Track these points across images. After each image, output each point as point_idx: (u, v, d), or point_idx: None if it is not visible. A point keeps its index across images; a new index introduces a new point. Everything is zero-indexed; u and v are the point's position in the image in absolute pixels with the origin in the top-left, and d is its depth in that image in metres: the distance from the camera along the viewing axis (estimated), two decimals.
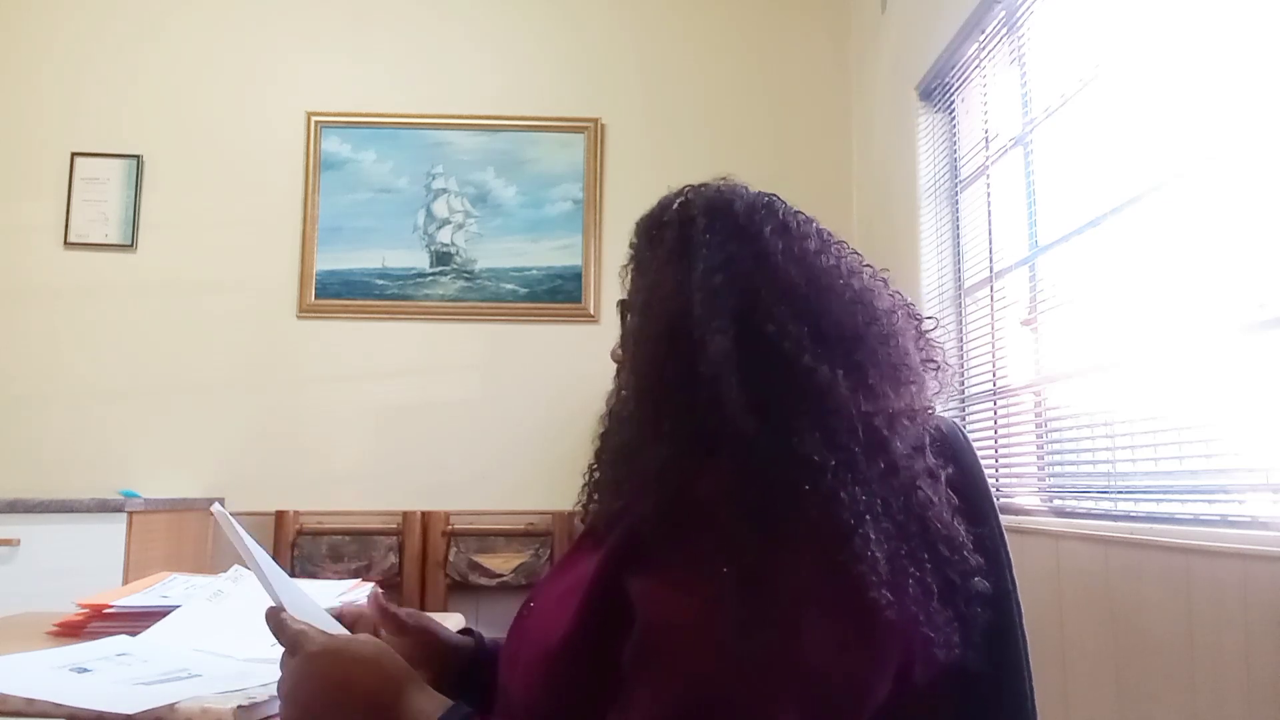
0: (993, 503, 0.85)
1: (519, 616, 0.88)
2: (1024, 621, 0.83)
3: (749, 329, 0.75)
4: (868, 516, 0.70)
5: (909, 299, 0.88)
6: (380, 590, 1.00)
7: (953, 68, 2.71)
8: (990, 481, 2.44)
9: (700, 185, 0.89)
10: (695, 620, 0.68)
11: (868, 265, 0.87)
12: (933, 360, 0.86)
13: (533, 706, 0.76)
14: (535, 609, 0.85)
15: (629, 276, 0.89)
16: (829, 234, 0.87)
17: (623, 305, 0.90)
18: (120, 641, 1.17)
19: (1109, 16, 1.91)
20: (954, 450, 0.84)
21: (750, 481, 0.70)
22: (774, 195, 0.88)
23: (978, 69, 2.59)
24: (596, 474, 0.85)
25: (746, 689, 0.65)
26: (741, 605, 0.66)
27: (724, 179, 0.90)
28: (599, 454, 0.85)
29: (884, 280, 0.87)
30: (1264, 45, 1.44)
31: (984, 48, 2.53)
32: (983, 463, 0.90)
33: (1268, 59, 1.43)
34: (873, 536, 0.69)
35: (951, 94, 2.78)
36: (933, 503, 0.75)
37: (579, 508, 0.86)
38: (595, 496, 0.84)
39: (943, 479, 0.78)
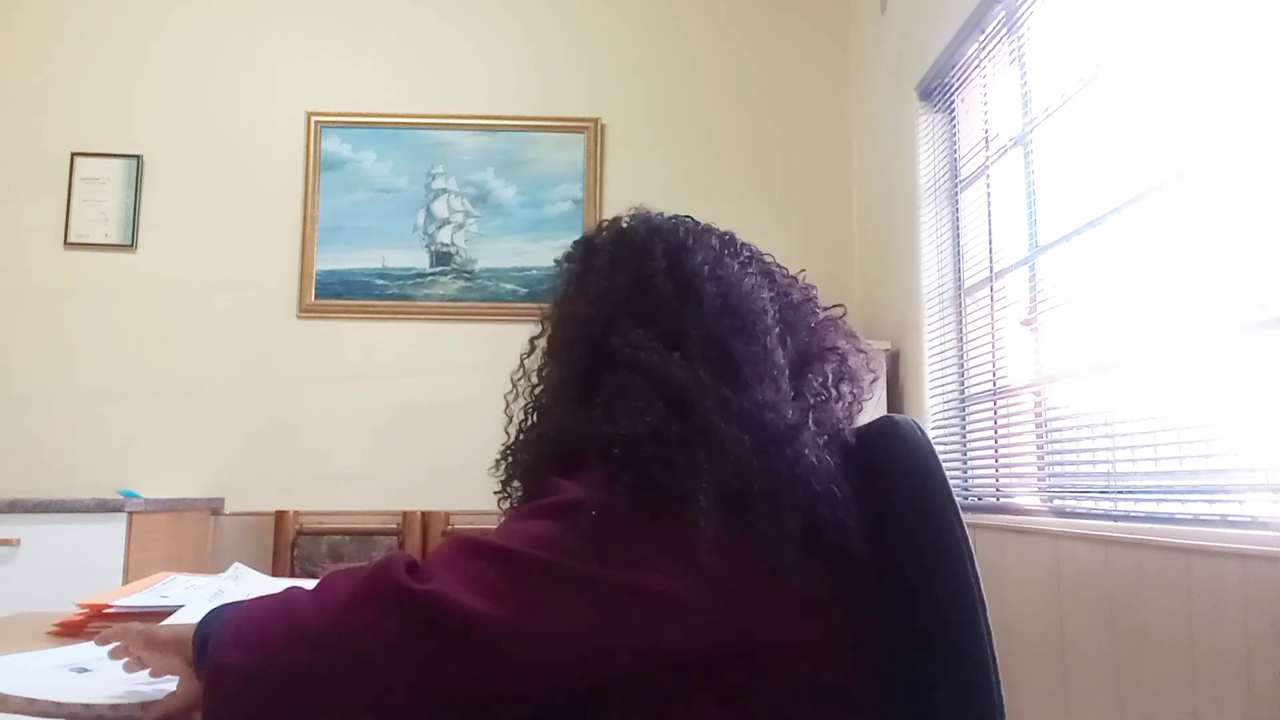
0: (951, 499, 0.88)
1: None
2: (988, 615, 0.86)
3: (598, 348, 0.92)
4: (704, 482, 0.79)
5: (812, 295, 1.02)
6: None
7: (953, 68, 2.71)
8: (990, 482, 2.44)
9: (615, 217, 1.04)
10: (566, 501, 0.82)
11: (777, 269, 1.02)
12: (833, 348, 0.98)
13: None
14: None
15: (551, 298, 1.05)
16: (734, 247, 1.01)
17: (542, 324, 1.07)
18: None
19: (1109, 16, 1.91)
20: (894, 436, 0.91)
21: (597, 463, 0.83)
22: (683, 217, 1.02)
23: (978, 69, 2.59)
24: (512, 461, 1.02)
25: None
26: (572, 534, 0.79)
27: (637, 208, 1.05)
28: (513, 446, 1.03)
29: (791, 280, 1.02)
30: (1264, 45, 1.44)
31: (984, 48, 2.53)
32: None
33: (1267, 59, 1.43)
34: (704, 504, 0.78)
35: (951, 94, 2.78)
36: (813, 470, 0.84)
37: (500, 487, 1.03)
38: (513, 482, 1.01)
39: (823, 448, 0.87)
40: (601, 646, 0.77)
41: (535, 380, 1.02)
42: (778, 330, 0.94)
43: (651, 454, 0.80)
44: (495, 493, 1.03)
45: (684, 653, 0.79)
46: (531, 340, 1.05)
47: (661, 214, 1.03)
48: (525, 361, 1.05)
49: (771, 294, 0.97)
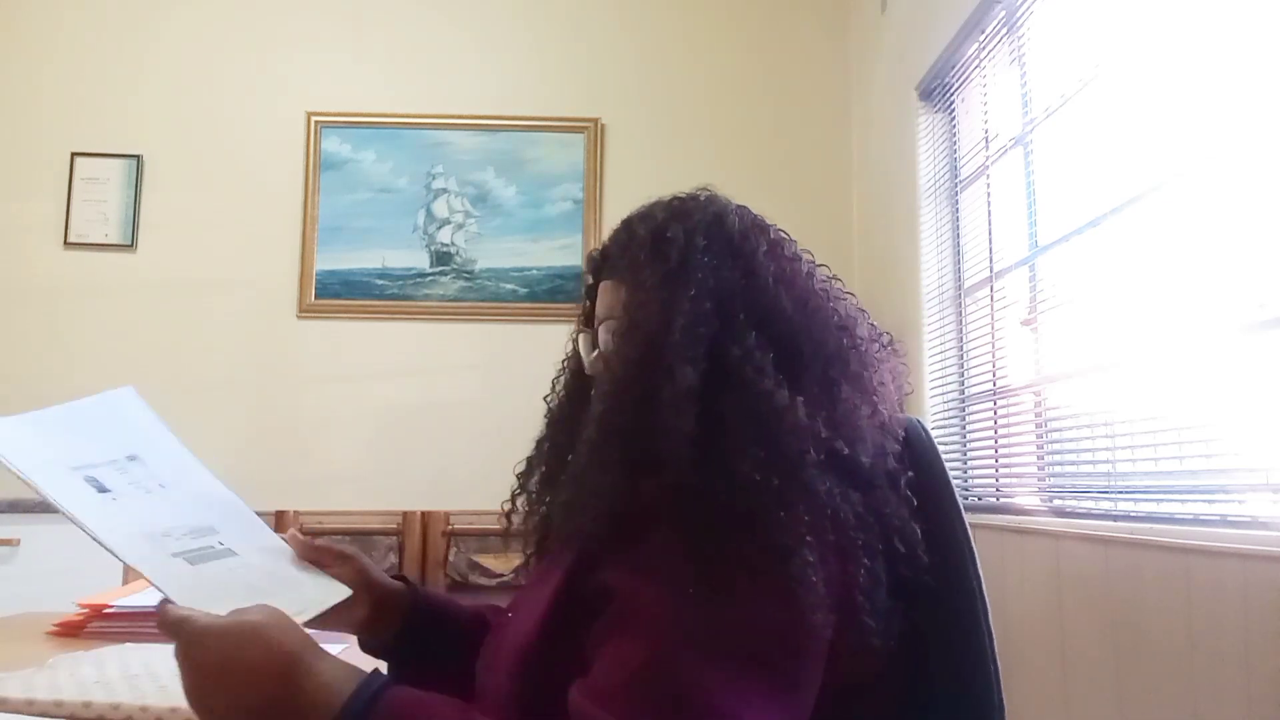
0: (954, 499, 0.88)
1: (496, 626, 0.92)
2: (989, 616, 0.86)
3: (718, 355, 0.79)
4: (808, 537, 0.72)
5: (881, 331, 0.94)
6: (297, 532, 0.99)
7: (953, 68, 2.71)
8: (990, 482, 2.44)
9: (695, 198, 0.90)
10: (658, 594, 0.71)
11: (849, 293, 0.92)
12: (904, 390, 0.94)
13: (508, 697, 0.78)
14: (512, 618, 0.88)
15: (620, 288, 0.89)
16: (812, 259, 0.91)
17: (601, 317, 0.91)
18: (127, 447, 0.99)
19: (1109, 17, 1.91)
20: (914, 451, 0.89)
21: (691, 501, 0.73)
22: (764, 219, 0.91)
23: (978, 69, 2.59)
24: (536, 487, 0.91)
25: (696, 652, 0.68)
26: (696, 598, 0.70)
27: (708, 191, 0.92)
28: (555, 473, 0.90)
29: (863, 310, 0.92)
30: (1264, 45, 1.44)
31: (984, 48, 2.53)
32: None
33: (1267, 59, 1.43)
34: (811, 559, 0.71)
35: (951, 94, 2.78)
36: (889, 503, 0.80)
37: (510, 513, 0.92)
38: (550, 515, 0.88)
39: (902, 482, 0.83)
40: None
41: (607, 386, 0.84)
42: (881, 356, 0.89)
43: (758, 507, 0.72)
44: (512, 528, 0.90)
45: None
46: (574, 337, 0.93)
47: (749, 210, 0.90)
48: (568, 361, 0.94)
49: (871, 323, 0.91)
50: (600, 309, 0.92)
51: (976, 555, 0.87)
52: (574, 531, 0.79)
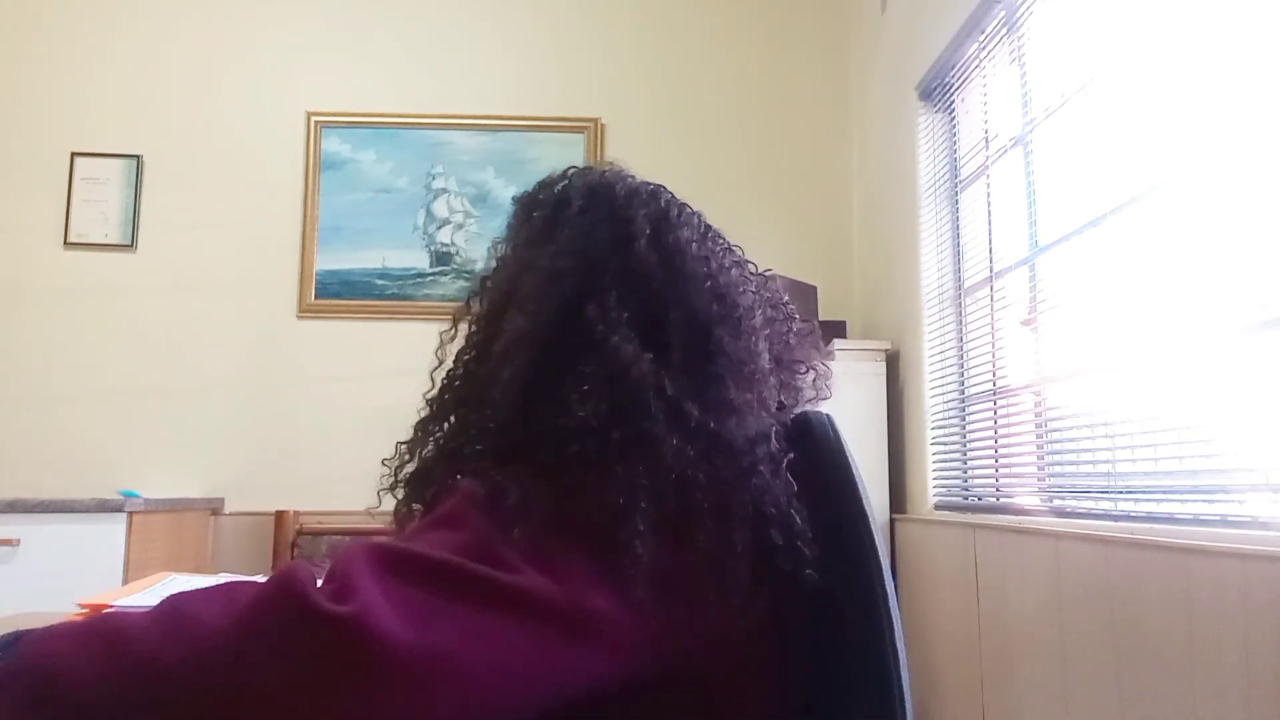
0: (859, 501, 0.81)
1: None
2: (897, 629, 0.79)
3: (573, 311, 0.78)
4: (642, 501, 0.70)
5: (785, 300, 0.92)
6: None
7: (953, 68, 2.71)
8: (990, 482, 2.44)
9: (585, 168, 0.90)
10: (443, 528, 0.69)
11: (748, 263, 0.91)
12: (800, 361, 0.90)
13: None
14: None
15: (493, 256, 0.90)
16: (713, 231, 0.89)
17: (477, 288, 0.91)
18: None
19: (1109, 17, 1.91)
20: (812, 443, 0.83)
21: (512, 450, 0.73)
22: (661, 186, 0.89)
23: (978, 69, 2.59)
24: (406, 461, 0.86)
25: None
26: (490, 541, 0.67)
27: (611, 164, 0.92)
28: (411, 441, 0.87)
29: (762, 278, 0.91)
30: (1264, 45, 1.44)
31: (984, 48, 2.53)
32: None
33: (1267, 59, 1.43)
34: (641, 527, 0.68)
35: (951, 94, 2.78)
36: (766, 489, 0.76)
37: (387, 489, 0.87)
38: (403, 485, 0.85)
39: (784, 466, 0.79)
40: (538, 677, 0.65)
41: (470, 345, 0.86)
42: (767, 332, 0.86)
43: (591, 459, 0.71)
44: (388, 490, 0.86)
45: (615, 682, 0.69)
46: (457, 315, 0.91)
47: (637, 177, 0.90)
48: (446, 344, 0.91)
49: (754, 292, 0.88)
50: None
51: (883, 564, 0.80)
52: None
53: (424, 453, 0.83)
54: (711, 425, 0.75)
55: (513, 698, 0.64)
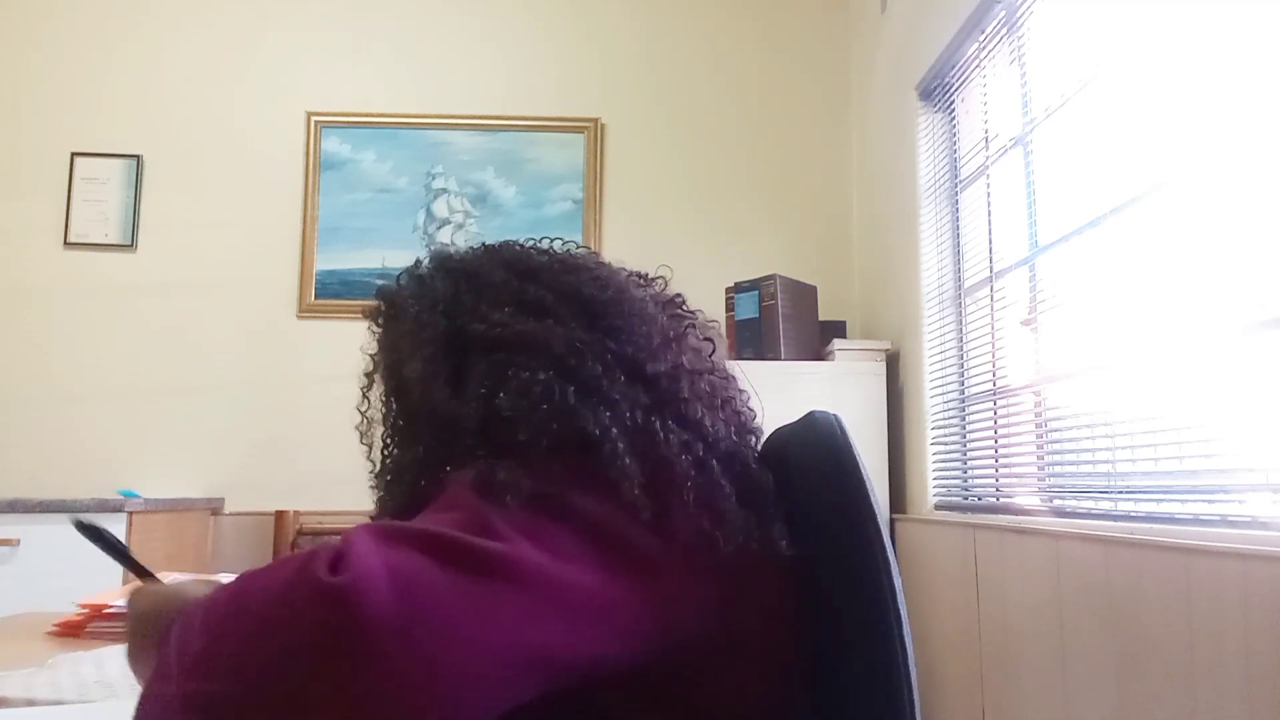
0: (867, 505, 0.81)
1: None
2: (906, 634, 0.78)
3: (460, 337, 0.85)
4: (614, 429, 0.74)
5: (677, 297, 0.95)
6: None
7: (953, 68, 2.71)
8: (990, 482, 2.44)
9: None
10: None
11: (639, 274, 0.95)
12: (706, 339, 0.92)
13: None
14: None
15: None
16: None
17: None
18: None
19: (1109, 17, 1.91)
20: (817, 439, 0.85)
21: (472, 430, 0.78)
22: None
23: (978, 69, 2.59)
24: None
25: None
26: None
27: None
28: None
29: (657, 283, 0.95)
30: (1264, 45, 1.44)
31: (984, 48, 2.53)
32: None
33: (1268, 59, 1.43)
34: (620, 445, 0.73)
35: (951, 94, 2.78)
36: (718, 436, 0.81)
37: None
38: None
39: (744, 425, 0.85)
40: (536, 646, 0.64)
41: (388, 424, 0.93)
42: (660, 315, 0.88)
43: (552, 413, 0.75)
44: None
45: (611, 663, 0.68)
46: (364, 390, 0.98)
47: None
48: (364, 408, 0.97)
49: (638, 283, 0.92)
50: None
51: (891, 560, 0.79)
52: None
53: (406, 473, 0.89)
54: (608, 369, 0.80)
55: (512, 667, 0.63)
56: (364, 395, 0.95)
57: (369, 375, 0.96)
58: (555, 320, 0.82)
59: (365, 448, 0.94)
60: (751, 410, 0.91)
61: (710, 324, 0.95)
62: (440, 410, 0.83)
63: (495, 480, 0.70)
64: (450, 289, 0.89)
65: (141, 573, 0.83)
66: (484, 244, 0.95)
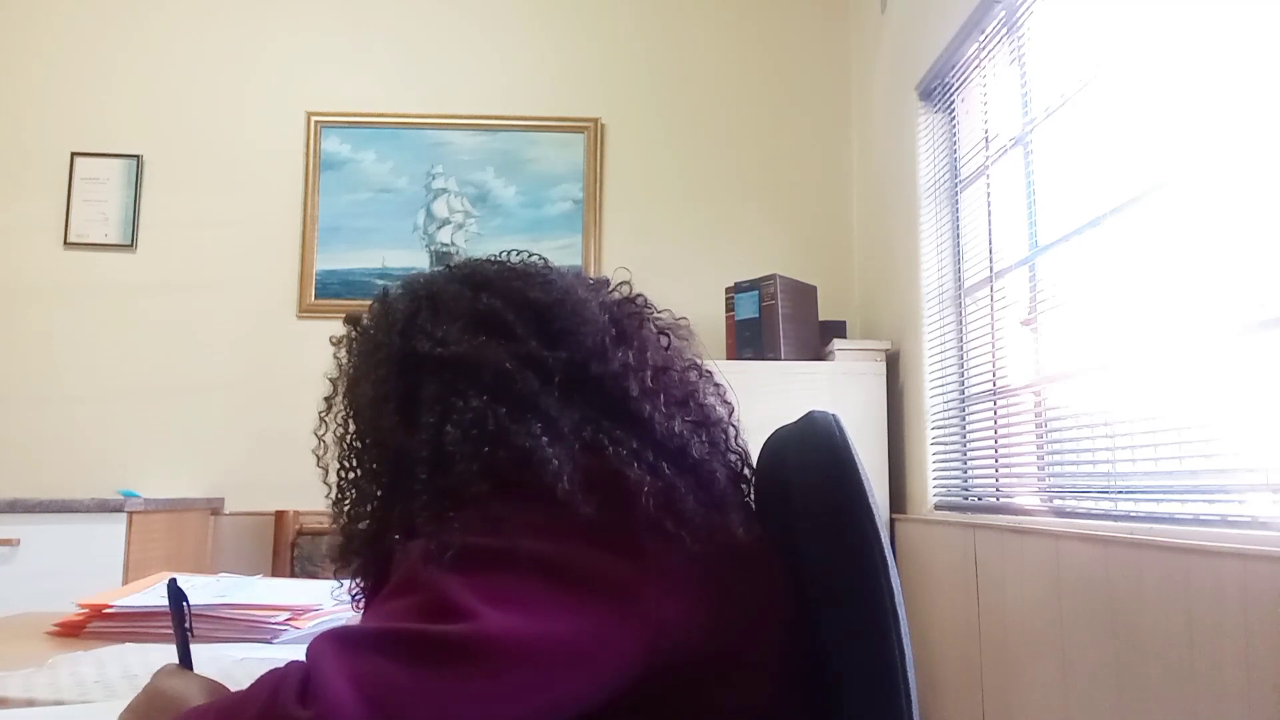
0: (865, 506, 0.80)
1: None
2: (904, 634, 0.78)
3: (409, 360, 0.85)
4: (551, 448, 0.74)
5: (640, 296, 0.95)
6: None
7: (953, 68, 2.71)
8: (989, 482, 2.44)
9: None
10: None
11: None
12: (664, 333, 0.92)
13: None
14: None
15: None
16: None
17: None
18: None
19: (1109, 17, 1.91)
20: (816, 439, 0.84)
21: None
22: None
23: (978, 69, 2.59)
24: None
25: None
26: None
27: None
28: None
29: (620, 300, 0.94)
30: (1264, 46, 1.44)
31: (984, 48, 2.53)
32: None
33: (1268, 59, 1.43)
34: (561, 464, 0.73)
35: (951, 94, 2.78)
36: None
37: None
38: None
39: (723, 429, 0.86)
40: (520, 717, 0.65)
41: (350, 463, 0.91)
42: (613, 332, 0.87)
43: (486, 439, 0.75)
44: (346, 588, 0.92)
45: (600, 698, 0.69)
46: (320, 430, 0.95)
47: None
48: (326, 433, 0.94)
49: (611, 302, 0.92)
50: None
51: (889, 560, 0.79)
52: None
53: (362, 526, 0.86)
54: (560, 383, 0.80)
55: None
56: (321, 419, 0.92)
57: (328, 400, 0.94)
58: (503, 330, 0.82)
59: (321, 470, 0.91)
60: (728, 404, 0.91)
61: (680, 320, 0.94)
62: (388, 442, 0.83)
63: (445, 547, 0.69)
64: (410, 308, 0.90)
65: (183, 655, 0.82)
66: (449, 264, 0.98)
